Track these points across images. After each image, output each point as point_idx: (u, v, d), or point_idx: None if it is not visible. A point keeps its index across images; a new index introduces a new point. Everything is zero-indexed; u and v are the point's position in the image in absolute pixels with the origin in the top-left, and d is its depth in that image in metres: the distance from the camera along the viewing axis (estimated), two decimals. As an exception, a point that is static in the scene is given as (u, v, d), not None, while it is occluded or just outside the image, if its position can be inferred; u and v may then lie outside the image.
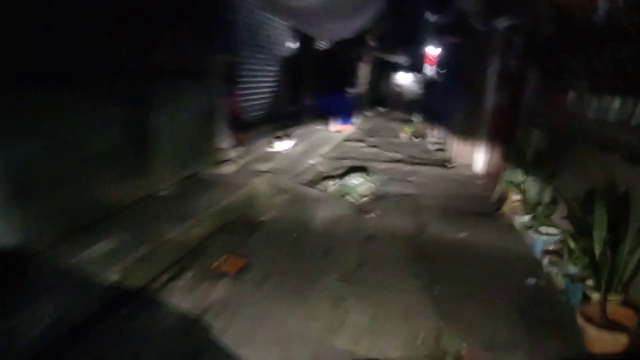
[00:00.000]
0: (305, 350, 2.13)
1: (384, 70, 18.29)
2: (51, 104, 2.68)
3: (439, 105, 9.10)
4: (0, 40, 2.36)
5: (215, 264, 3.03)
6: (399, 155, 7.20)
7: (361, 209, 4.36)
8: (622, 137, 2.47)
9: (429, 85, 13.35)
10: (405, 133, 9.47)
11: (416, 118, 12.55)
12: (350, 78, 11.77)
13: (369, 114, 15.36)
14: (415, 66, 18.13)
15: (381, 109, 17.23)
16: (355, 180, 5.10)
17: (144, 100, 3.64)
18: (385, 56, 13.62)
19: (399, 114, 17.21)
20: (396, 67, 18.57)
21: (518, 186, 3.85)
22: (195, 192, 4.08)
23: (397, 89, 19.96)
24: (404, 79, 19.46)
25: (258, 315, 2.42)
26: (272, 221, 4.00)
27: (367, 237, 3.65)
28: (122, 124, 3.38)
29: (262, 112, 6.79)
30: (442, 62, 10.54)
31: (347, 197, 4.74)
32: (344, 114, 9.29)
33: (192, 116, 4.56)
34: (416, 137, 9.49)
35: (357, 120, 11.50)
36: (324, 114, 8.90)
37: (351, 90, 11.88)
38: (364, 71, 14.54)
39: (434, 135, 9.13)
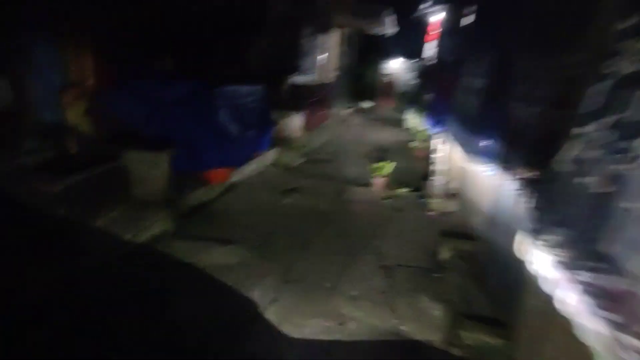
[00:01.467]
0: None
1: (370, 54, 13.67)
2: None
3: (465, 102, 3.96)
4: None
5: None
6: None
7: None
8: None
9: (431, 68, 8.58)
10: (380, 177, 4.46)
11: (412, 117, 7.96)
12: (289, 56, 6.76)
13: (343, 112, 10.68)
14: (408, 46, 13.37)
15: (366, 104, 12.58)
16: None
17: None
18: (361, 23, 8.78)
19: (387, 112, 12.63)
20: (386, 53, 14.11)
21: None
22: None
23: (388, 79, 15.34)
24: (396, 66, 14.92)
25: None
26: None
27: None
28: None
29: None
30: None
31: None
32: (228, 145, 3.95)
33: None
34: (402, 186, 4.49)
35: (294, 134, 6.60)
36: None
37: (303, 78, 6.96)
38: (332, 50, 9.63)
39: (444, 173, 4.24)
